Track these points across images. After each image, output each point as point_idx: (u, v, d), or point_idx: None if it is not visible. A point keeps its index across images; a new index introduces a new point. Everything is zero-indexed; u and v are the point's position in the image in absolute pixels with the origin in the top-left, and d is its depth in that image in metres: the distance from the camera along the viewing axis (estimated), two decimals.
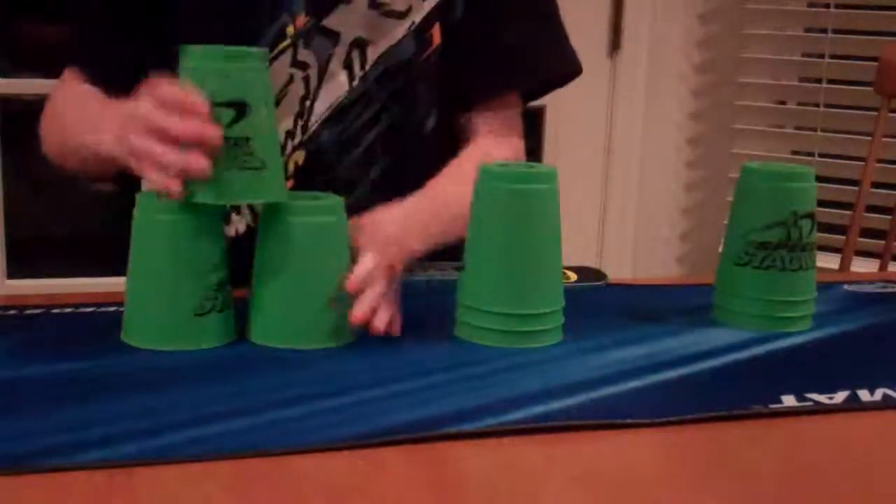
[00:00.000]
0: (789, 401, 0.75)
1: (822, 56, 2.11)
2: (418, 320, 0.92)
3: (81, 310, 0.92)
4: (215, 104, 0.79)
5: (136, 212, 0.83)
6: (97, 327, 0.88)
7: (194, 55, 0.81)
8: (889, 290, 1.12)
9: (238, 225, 1.09)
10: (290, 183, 1.05)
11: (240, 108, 0.80)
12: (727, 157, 2.21)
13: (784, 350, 0.89)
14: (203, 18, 1.06)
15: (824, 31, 2.11)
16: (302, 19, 1.06)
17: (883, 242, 1.68)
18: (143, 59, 0.95)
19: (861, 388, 0.78)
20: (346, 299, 0.84)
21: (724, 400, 0.75)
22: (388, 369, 0.79)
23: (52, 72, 1.20)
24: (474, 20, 1.11)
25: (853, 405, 0.76)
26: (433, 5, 1.08)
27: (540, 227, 0.86)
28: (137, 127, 0.81)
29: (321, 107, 1.07)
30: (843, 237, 1.73)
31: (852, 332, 0.95)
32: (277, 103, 1.04)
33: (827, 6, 2.09)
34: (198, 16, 1.06)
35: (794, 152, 2.19)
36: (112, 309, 0.92)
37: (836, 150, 2.11)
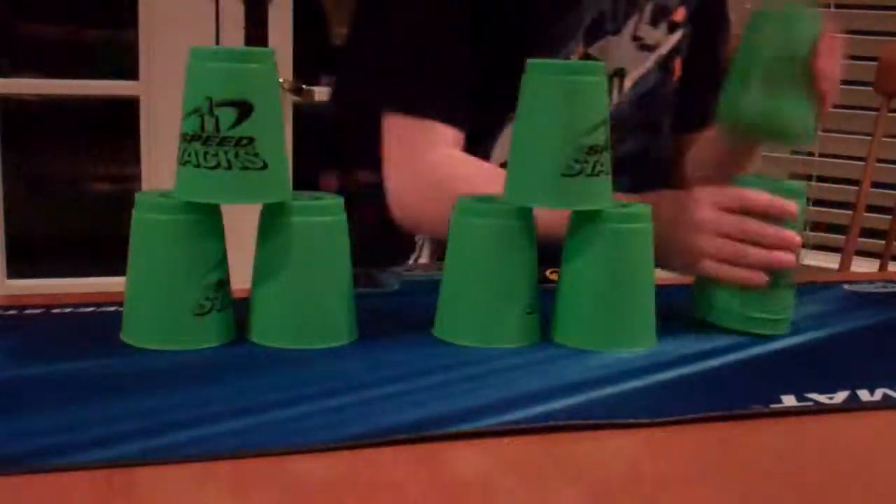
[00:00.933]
0: (789, 401, 0.75)
1: None
2: (418, 320, 0.92)
3: (81, 310, 0.92)
4: (217, 104, 0.79)
5: (134, 212, 0.83)
6: (97, 327, 0.88)
7: (199, 55, 0.81)
8: (889, 290, 1.12)
9: None
10: None
11: (243, 108, 0.80)
12: None
13: (784, 350, 0.89)
14: (506, 52, 1.07)
15: None
16: (580, 49, 1.14)
17: (883, 242, 1.68)
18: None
19: (861, 388, 0.78)
20: (348, 298, 0.84)
21: (724, 400, 0.75)
22: (388, 369, 0.79)
23: (52, 72, 1.20)
24: (699, 53, 1.24)
25: (853, 405, 0.76)
26: (677, 39, 1.19)
27: (636, 265, 0.86)
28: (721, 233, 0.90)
29: None
30: (843, 237, 1.73)
31: (852, 332, 0.95)
32: None
33: (827, 6, 2.09)
34: (505, 50, 1.09)
35: (795, 152, 2.19)
36: (112, 309, 0.92)
37: (836, 150, 2.11)
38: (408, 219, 1.11)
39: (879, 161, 1.77)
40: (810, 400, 0.75)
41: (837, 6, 2.07)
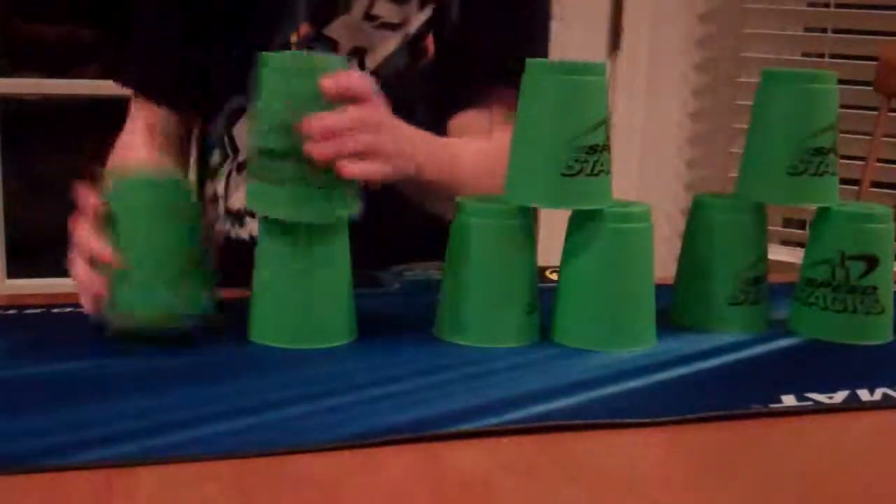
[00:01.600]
0: (789, 401, 0.75)
1: (822, 56, 2.11)
2: (418, 320, 0.92)
3: (81, 310, 0.92)
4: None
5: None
6: (97, 327, 0.88)
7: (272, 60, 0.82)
8: None
9: (252, 227, 1.11)
10: None
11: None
12: (727, 156, 2.21)
13: (784, 350, 0.89)
14: (224, 30, 1.12)
15: (824, 30, 2.11)
16: (304, 28, 1.09)
17: None
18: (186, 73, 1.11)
19: (861, 387, 0.78)
20: (345, 297, 0.84)
21: (724, 400, 0.75)
22: (388, 369, 0.79)
23: (52, 72, 1.22)
24: (467, 28, 1.13)
25: (853, 405, 0.76)
26: (426, 18, 1.11)
27: (636, 265, 0.86)
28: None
29: None
30: None
31: None
32: None
33: (827, 6, 2.09)
34: (220, 27, 1.12)
35: None
36: None
37: None
38: None
39: (879, 161, 1.77)
40: (810, 400, 0.75)
41: (837, 6, 2.07)
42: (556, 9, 2.21)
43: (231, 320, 0.87)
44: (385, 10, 1.10)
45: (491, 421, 0.69)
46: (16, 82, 2.11)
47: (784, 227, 2.26)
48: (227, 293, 0.95)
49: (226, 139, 1.14)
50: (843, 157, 2.30)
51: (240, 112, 1.11)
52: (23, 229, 2.12)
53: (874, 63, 1.69)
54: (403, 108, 1.06)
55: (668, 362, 0.83)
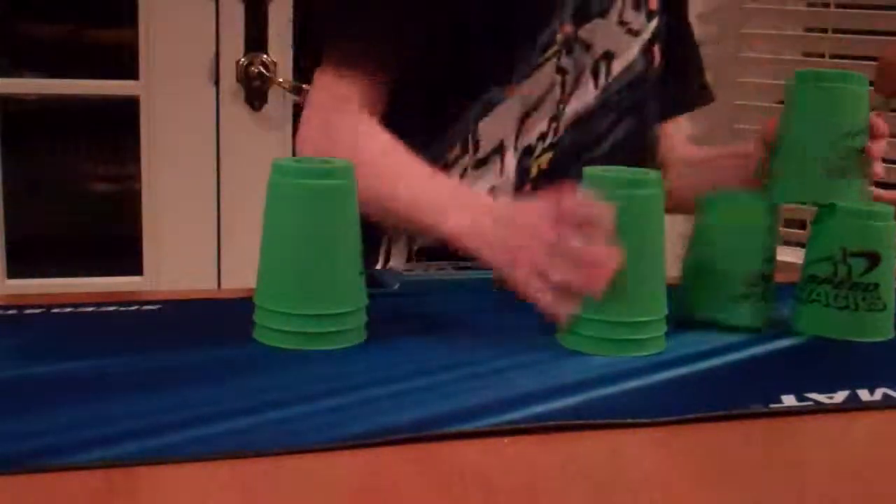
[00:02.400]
0: (789, 401, 0.75)
1: (822, 56, 2.11)
2: (419, 320, 0.92)
3: (81, 310, 0.92)
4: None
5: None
6: (97, 327, 0.88)
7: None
8: None
9: None
10: (528, 186, 1.12)
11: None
12: None
13: (784, 350, 0.89)
14: (489, 25, 1.11)
15: (824, 30, 2.11)
16: (567, 28, 1.13)
17: None
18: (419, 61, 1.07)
19: (861, 387, 0.78)
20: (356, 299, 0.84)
21: (724, 400, 0.75)
22: (388, 369, 0.79)
23: (52, 71, 1.20)
24: (672, 42, 1.25)
25: (853, 405, 0.76)
26: (654, 25, 1.19)
27: (645, 233, 0.85)
28: (539, 248, 0.85)
29: (570, 111, 1.13)
30: None
31: None
32: (539, 106, 1.11)
33: (827, 6, 2.09)
34: (485, 21, 1.11)
35: None
36: (112, 309, 0.92)
37: None
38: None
39: None
40: (810, 400, 0.75)
41: (837, 6, 2.07)
42: None
43: (231, 320, 0.87)
44: (631, 17, 1.16)
45: (491, 421, 0.69)
46: (16, 82, 2.11)
47: (784, 227, 2.26)
48: (226, 293, 0.95)
49: (470, 134, 1.12)
50: None
51: (490, 106, 1.11)
52: (23, 229, 2.12)
53: (874, 63, 1.69)
54: (641, 110, 1.19)
55: (668, 362, 0.83)
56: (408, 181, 1.02)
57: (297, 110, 2.07)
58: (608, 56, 1.15)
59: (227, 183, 2.04)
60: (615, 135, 1.17)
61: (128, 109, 2.05)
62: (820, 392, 0.77)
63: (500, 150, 1.12)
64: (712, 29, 2.18)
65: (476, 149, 1.13)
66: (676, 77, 1.27)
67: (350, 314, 0.84)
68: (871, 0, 2.05)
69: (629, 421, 0.70)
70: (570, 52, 1.12)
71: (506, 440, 0.67)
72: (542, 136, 1.12)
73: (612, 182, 0.84)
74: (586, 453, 0.67)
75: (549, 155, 1.13)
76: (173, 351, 0.81)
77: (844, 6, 2.07)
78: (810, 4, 2.17)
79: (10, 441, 0.63)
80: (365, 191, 0.87)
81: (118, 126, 2.32)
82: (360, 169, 0.86)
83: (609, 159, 1.13)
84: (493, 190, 1.11)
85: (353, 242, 0.85)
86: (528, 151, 1.12)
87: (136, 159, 2.07)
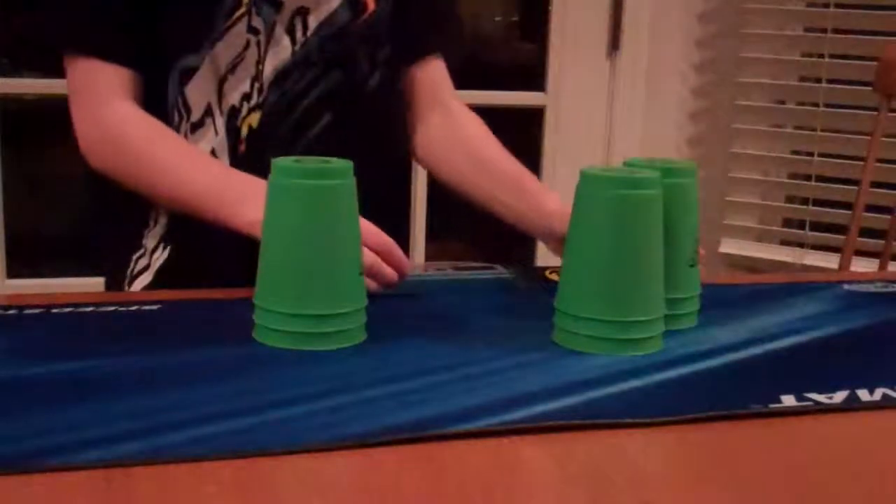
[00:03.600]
0: (789, 401, 0.75)
1: (821, 56, 2.12)
2: (418, 320, 0.92)
3: (81, 310, 0.92)
4: None
5: None
6: (97, 327, 0.88)
7: None
8: (889, 290, 1.12)
9: None
10: (242, 146, 1.12)
11: None
12: (727, 156, 2.21)
13: (784, 350, 0.89)
14: None
15: (824, 30, 2.11)
16: None
17: (883, 242, 1.68)
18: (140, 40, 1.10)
19: (860, 387, 0.78)
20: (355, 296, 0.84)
21: (724, 400, 0.75)
22: (388, 369, 0.79)
23: (52, 71, 1.20)
24: None
25: (852, 405, 0.76)
26: None
27: (644, 233, 0.85)
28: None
29: (269, 69, 1.13)
30: (843, 237, 1.73)
31: (852, 331, 0.95)
32: (235, 67, 1.11)
33: (827, 6, 2.09)
34: None
35: (794, 152, 2.20)
36: (111, 309, 0.92)
37: (835, 149, 2.11)
38: (99, 167, 1.14)
39: (879, 161, 1.77)
40: (810, 400, 0.76)
41: (837, 6, 2.08)
42: (556, 8, 2.21)
43: (231, 320, 0.87)
44: None
45: (491, 421, 0.69)
46: (16, 82, 2.11)
47: (784, 227, 2.26)
48: (226, 293, 0.95)
49: (179, 100, 1.13)
50: (843, 157, 2.31)
51: (191, 72, 1.11)
52: (23, 229, 2.12)
53: (874, 63, 1.69)
54: (347, 61, 1.17)
55: (668, 362, 0.83)
56: (193, 174, 1.08)
57: None
58: (302, 11, 1.13)
59: None
60: (320, 88, 1.15)
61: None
62: (820, 392, 0.77)
63: (210, 112, 1.13)
64: (712, 29, 2.18)
65: (189, 113, 1.14)
66: (413, 19, 1.24)
67: (350, 314, 0.84)
68: (871, 0, 2.06)
69: (629, 421, 0.70)
70: (258, 12, 1.11)
71: (506, 440, 0.67)
72: (247, 97, 1.13)
73: (610, 182, 0.84)
74: (586, 453, 0.67)
75: (256, 114, 1.13)
76: (173, 351, 0.81)
77: (844, 6, 2.07)
78: (810, 4, 2.17)
79: (10, 441, 0.63)
80: (148, 188, 1.08)
81: None
82: (142, 165, 1.01)
83: (316, 111, 1.15)
84: (212, 152, 1.13)
85: (353, 242, 0.85)
86: (233, 112, 1.12)
87: None
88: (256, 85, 1.12)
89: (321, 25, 1.14)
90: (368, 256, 0.93)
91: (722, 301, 1.02)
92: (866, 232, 1.81)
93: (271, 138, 1.13)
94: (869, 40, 2.05)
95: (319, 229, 0.83)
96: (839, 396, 0.77)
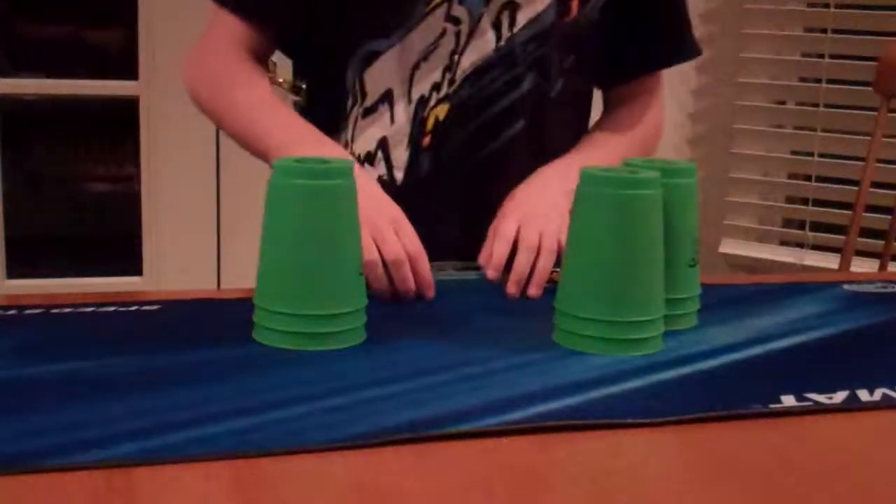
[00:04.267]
0: (789, 401, 0.75)
1: (821, 56, 2.12)
2: (418, 320, 0.92)
3: (81, 310, 0.92)
4: None
5: None
6: (97, 327, 0.88)
7: None
8: (889, 290, 1.12)
9: (379, 170, 1.14)
10: (427, 138, 1.11)
11: None
12: (727, 156, 2.21)
13: (784, 350, 0.89)
14: None
15: (824, 30, 2.11)
16: None
17: (883, 242, 1.68)
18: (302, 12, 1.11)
19: (860, 388, 0.78)
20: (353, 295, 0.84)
21: (724, 400, 0.75)
22: (388, 369, 0.79)
23: (52, 71, 1.20)
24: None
25: (852, 405, 0.76)
26: None
27: (644, 233, 0.85)
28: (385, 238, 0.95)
29: (466, 62, 1.10)
30: (843, 237, 1.73)
31: (852, 332, 0.95)
32: (428, 55, 1.10)
33: (827, 6, 2.09)
34: None
35: (794, 152, 2.20)
36: (111, 309, 0.92)
37: (836, 149, 2.11)
38: (193, 99, 1.17)
39: (879, 161, 1.77)
40: (810, 400, 0.76)
41: (837, 6, 2.08)
42: None
43: (231, 320, 0.87)
44: None
45: (491, 421, 0.69)
46: (16, 82, 2.12)
47: (784, 227, 2.26)
48: (226, 293, 0.95)
49: (357, 84, 1.12)
50: (844, 157, 2.31)
51: (373, 56, 1.10)
52: (23, 229, 2.12)
53: (874, 63, 1.69)
54: (547, 64, 1.13)
55: (668, 362, 0.83)
56: (261, 115, 1.09)
57: (298, 111, 2.08)
58: (511, 6, 1.10)
59: (226, 183, 2.05)
60: (520, 90, 1.13)
61: (127, 109, 2.05)
62: (820, 392, 0.77)
63: (387, 98, 1.12)
64: (712, 29, 2.18)
65: (364, 98, 1.12)
66: (629, 35, 1.20)
67: (350, 314, 0.84)
68: (871, 0, 2.06)
69: (629, 421, 0.70)
70: (462, 1, 1.09)
71: (506, 440, 0.67)
72: (437, 87, 1.10)
73: (610, 182, 0.84)
74: (586, 453, 0.67)
75: (445, 106, 1.11)
76: (173, 351, 0.81)
77: (844, 6, 2.07)
78: (810, 4, 2.17)
79: (10, 441, 0.63)
80: (225, 123, 1.11)
81: (118, 126, 2.33)
82: (223, 104, 1.06)
83: (511, 114, 1.12)
84: (384, 140, 1.12)
85: (353, 242, 0.85)
86: (422, 102, 1.11)
87: (136, 159, 2.07)
88: (448, 76, 1.10)
89: (529, 23, 1.11)
90: (372, 253, 0.93)
91: (722, 301, 1.02)
92: (866, 232, 1.81)
93: (459, 135, 1.11)
94: (869, 40, 2.05)
95: (319, 229, 0.83)
96: (839, 396, 0.77)
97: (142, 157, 2.04)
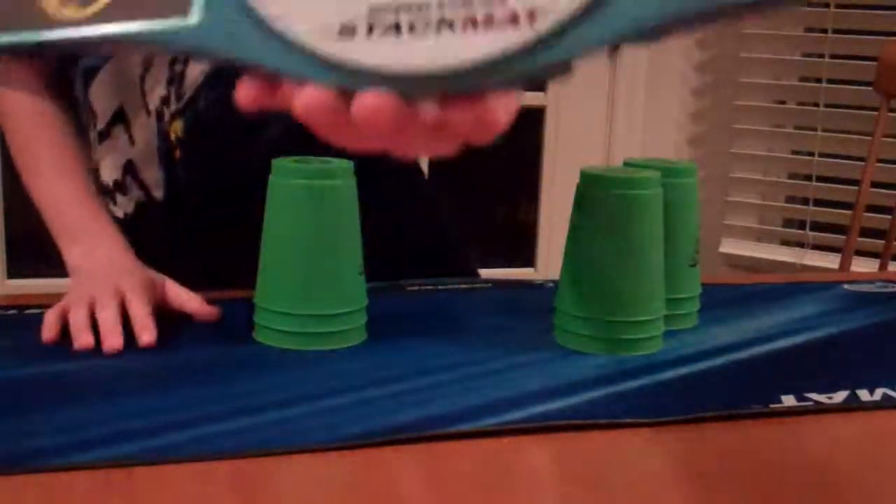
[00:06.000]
0: (789, 401, 0.75)
1: (822, 56, 2.12)
2: (418, 320, 0.92)
3: None
4: None
5: None
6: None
7: None
8: (889, 290, 1.12)
9: (126, 207, 1.07)
10: (177, 152, 1.01)
11: None
12: (727, 156, 2.21)
13: (784, 350, 0.89)
14: None
15: (824, 30, 2.11)
16: None
17: (883, 242, 1.68)
18: None
19: (861, 387, 0.78)
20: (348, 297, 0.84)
21: (724, 400, 0.75)
22: (388, 369, 0.79)
23: None
24: None
25: (853, 405, 0.76)
26: None
27: (644, 233, 0.85)
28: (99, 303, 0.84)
29: (194, 71, 0.99)
30: (843, 237, 1.73)
31: (852, 332, 0.95)
32: (149, 66, 0.99)
33: (827, 6, 2.09)
34: None
35: (794, 152, 2.20)
36: None
37: (836, 149, 2.11)
38: None
39: (879, 161, 1.77)
40: (810, 400, 0.76)
41: (837, 6, 2.08)
42: None
43: (231, 320, 0.87)
44: None
45: (491, 421, 0.69)
46: None
47: (784, 227, 2.26)
48: (226, 293, 0.95)
49: (86, 103, 1.03)
50: (844, 157, 2.31)
51: (93, 72, 1.00)
52: (23, 229, 2.12)
53: (874, 63, 1.69)
54: None
55: (668, 362, 0.83)
56: (56, 195, 1.00)
57: None
58: None
59: None
60: None
61: None
62: (820, 392, 0.77)
63: (121, 118, 1.02)
64: (712, 29, 2.18)
65: (95, 119, 1.03)
66: None
67: (350, 314, 0.84)
68: (871, 0, 2.06)
69: (629, 421, 0.70)
70: None
71: (506, 440, 0.67)
72: (165, 101, 1.00)
73: (610, 182, 0.84)
74: (586, 453, 0.67)
75: (179, 122, 1.00)
76: (173, 351, 0.81)
77: (844, 6, 2.07)
78: (810, 4, 2.17)
79: (10, 441, 0.63)
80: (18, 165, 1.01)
81: None
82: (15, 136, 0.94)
83: (262, 121, 1.01)
84: (129, 163, 1.02)
85: (353, 242, 0.85)
86: (159, 116, 1.00)
87: None
88: (173, 89, 1.00)
89: None
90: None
91: (722, 301, 1.02)
92: (866, 232, 1.81)
93: (207, 147, 1.02)
94: (869, 40, 2.05)
95: (319, 229, 0.83)
96: (839, 396, 0.77)
97: None
